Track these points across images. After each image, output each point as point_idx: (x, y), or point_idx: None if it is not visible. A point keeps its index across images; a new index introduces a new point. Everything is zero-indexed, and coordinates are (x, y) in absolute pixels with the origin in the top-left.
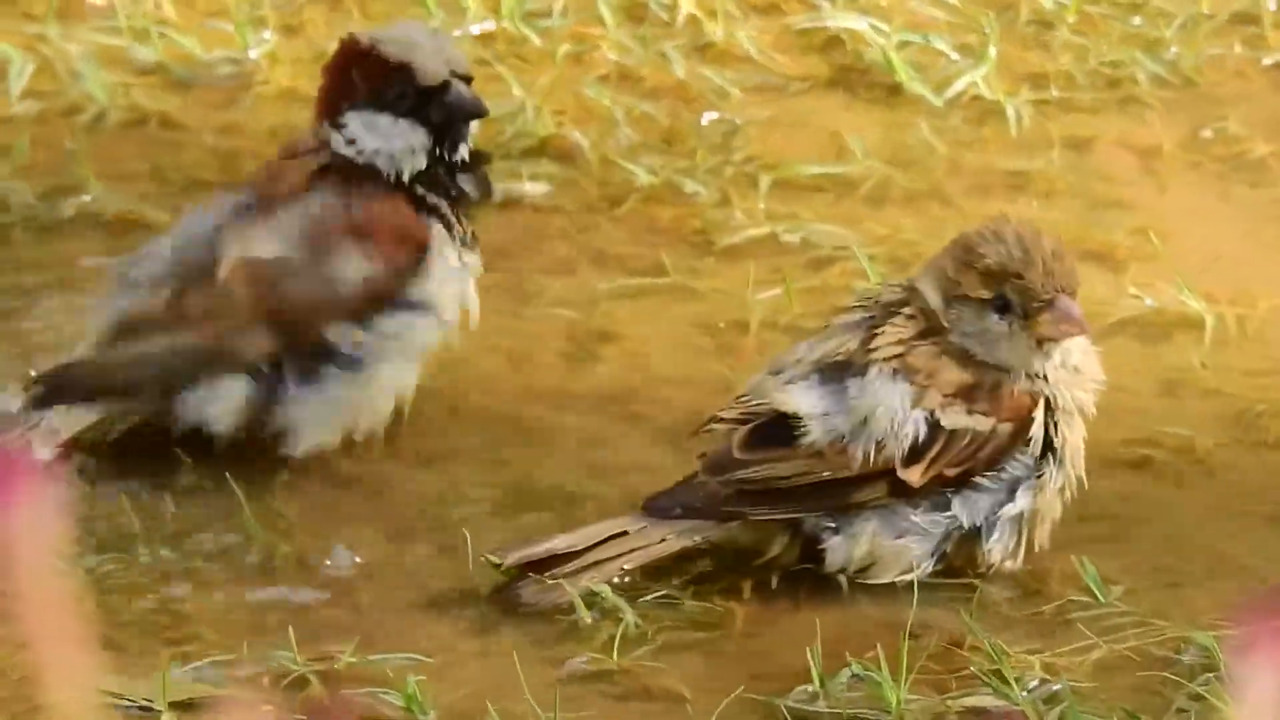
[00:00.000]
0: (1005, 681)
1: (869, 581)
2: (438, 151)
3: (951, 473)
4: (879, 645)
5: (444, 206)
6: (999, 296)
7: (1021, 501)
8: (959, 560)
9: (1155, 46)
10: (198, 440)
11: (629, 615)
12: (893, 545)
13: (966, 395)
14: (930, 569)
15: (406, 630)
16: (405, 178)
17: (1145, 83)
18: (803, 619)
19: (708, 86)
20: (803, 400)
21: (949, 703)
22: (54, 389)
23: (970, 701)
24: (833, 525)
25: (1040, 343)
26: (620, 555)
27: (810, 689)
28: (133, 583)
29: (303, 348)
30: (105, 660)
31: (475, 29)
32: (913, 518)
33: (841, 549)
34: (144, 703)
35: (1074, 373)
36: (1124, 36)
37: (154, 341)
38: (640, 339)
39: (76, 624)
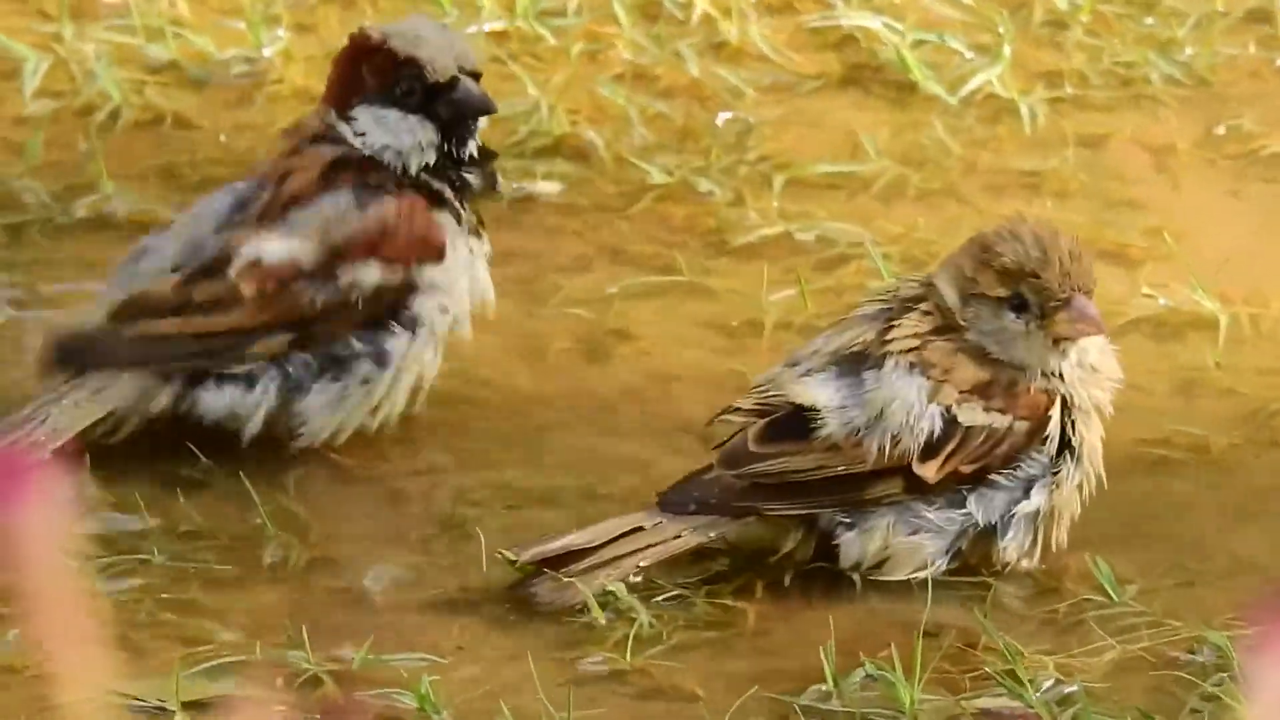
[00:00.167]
0: (1019, 682)
1: (883, 580)
2: (445, 147)
3: (967, 469)
4: (893, 645)
5: (448, 193)
6: (1015, 295)
7: (1037, 499)
8: (974, 558)
9: (1169, 46)
10: (210, 438)
11: (643, 615)
12: (907, 542)
13: (983, 392)
14: (945, 567)
15: (420, 629)
16: (412, 171)
17: (1159, 82)
18: (816, 618)
19: (722, 85)
20: (819, 393)
21: (963, 703)
22: (65, 355)
23: (984, 702)
24: (847, 521)
25: (1056, 342)
26: (635, 552)
27: (824, 688)
28: (145, 582)
29: (316, 341)
30: (118, 660)
31: (489, 27)
32: (928, 515)
33: (856, 545)
34: (157, 703)
35: (1091, 372)
36: (1138, 36)
37: (163, 322)
38: (654, 338)
39: (88, 623)
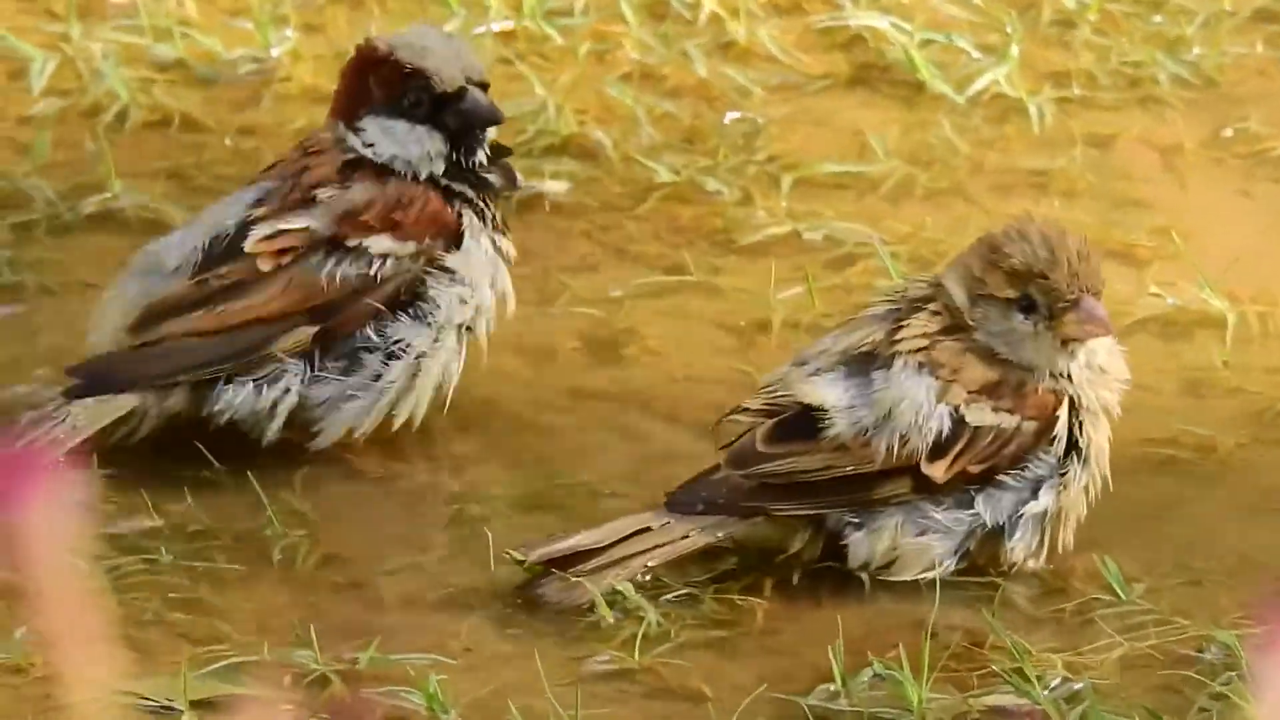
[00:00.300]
0: (1027, 680)
1: (891, 579)
2: (454, 157)
3: (975, 469)
4: (901, 644)
5: (470, 193)
6: (1024, 296)
7: (1045, 500)
8: (982, 559)
9: (1177, 45)
10: (218, 437)
11: (650, 614)
12: (915, 542)
13: (991, 392)
14: (953, 567)
15: (428, 629)
16: (422, 179)
17: (1167, 81)
18: (824, 617)
19: (729, 85)
20: (828, 393)
21: (970, 701)
22: (91, 380)
23: (992, 700)
24: (856, 521)
25: (1065, 343)
26: (643, 552)
27: (832, 687)
28: (154, 582)
29: (337, 333)
30: (126, 659)
31: (496, 27)
32: (935, 515)
33: (864, 545)
34: (165, 702)
35: (1099, 373)
36: (1145, 35)
37: (184, 320)
38: (662, 337)
39: (95, 622)
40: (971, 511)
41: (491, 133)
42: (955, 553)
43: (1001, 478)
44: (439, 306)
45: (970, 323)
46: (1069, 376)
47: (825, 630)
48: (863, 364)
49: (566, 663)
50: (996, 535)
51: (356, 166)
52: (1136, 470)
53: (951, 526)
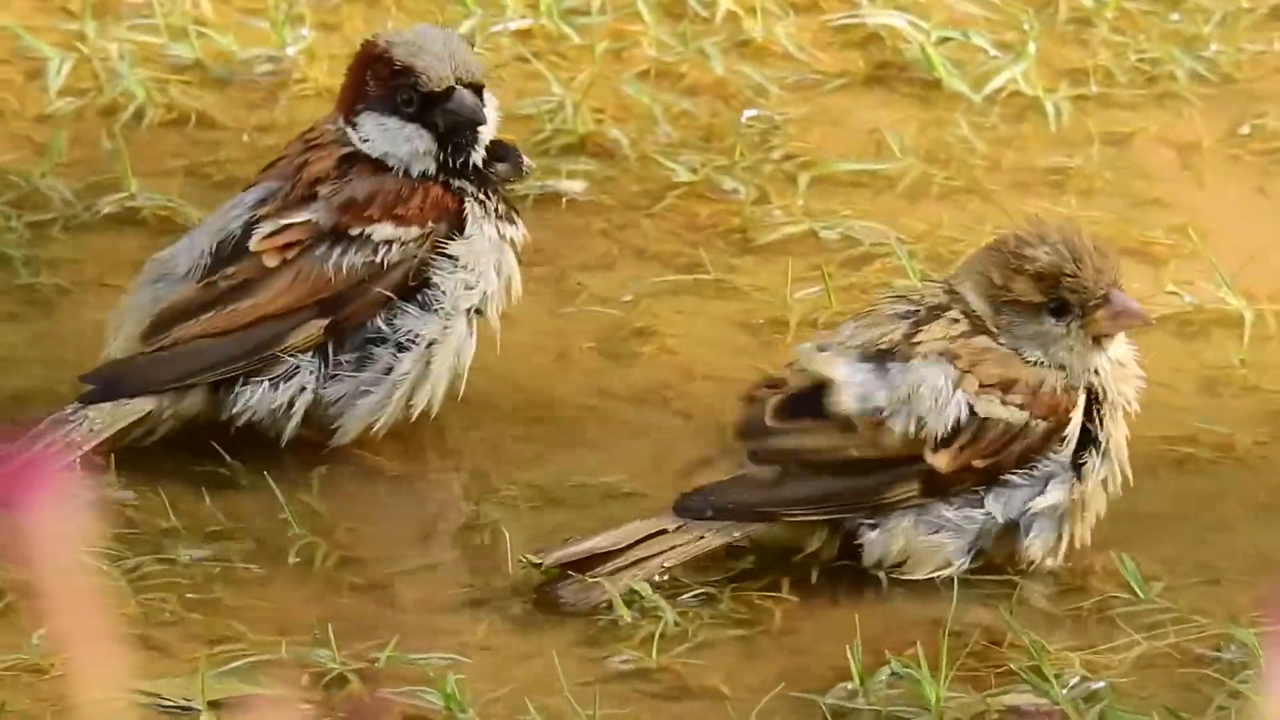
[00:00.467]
0: (1045, 679)
1: (908, 578)
2: (442, 156)
3: (980, 464)
4: (918, 642)
5: (469, 187)
6: (1055, 299)
7: (1054, 495)
8: (999, 557)
9: (1194, 42)
10: (235, 437)
11: (668, 613)
12: (928, 541)
13: (1004, 387)
14: (966, 565)
15: (446, 629)
16: (414, 176)
17: (1184, 79)
18: (842, 616)
19: (746, 83)
20: (840, 371)
21: (988, 700)
22: (105, 386)
23: (1010, 699)
24: (870, 521)
25: (1096, 339)
26: (660, 553)
27: (849, 686)
28: (171, 582)
29: (347, 326)
30: (144, 659)
31: (514, 25)
32: (947, 514)
33: (878, 544)
34: (183, 702)
35: (1119, 367)
36: (1163, 32)
37: (195, 324)
38: (679, 336)
39: (108, 623)
40: (982, 510)
41: (489, 132)
42: (968, 551)
43: (1009, 477)
44: (444, 293)
45: (994, 330)
46: (1096, 372)
47: (843, 629)
48: (881, 358)
49: (584, 662)
50: (1012, 533)
51: (354, 161)
52: (1154, 468)
53: (963, 525)
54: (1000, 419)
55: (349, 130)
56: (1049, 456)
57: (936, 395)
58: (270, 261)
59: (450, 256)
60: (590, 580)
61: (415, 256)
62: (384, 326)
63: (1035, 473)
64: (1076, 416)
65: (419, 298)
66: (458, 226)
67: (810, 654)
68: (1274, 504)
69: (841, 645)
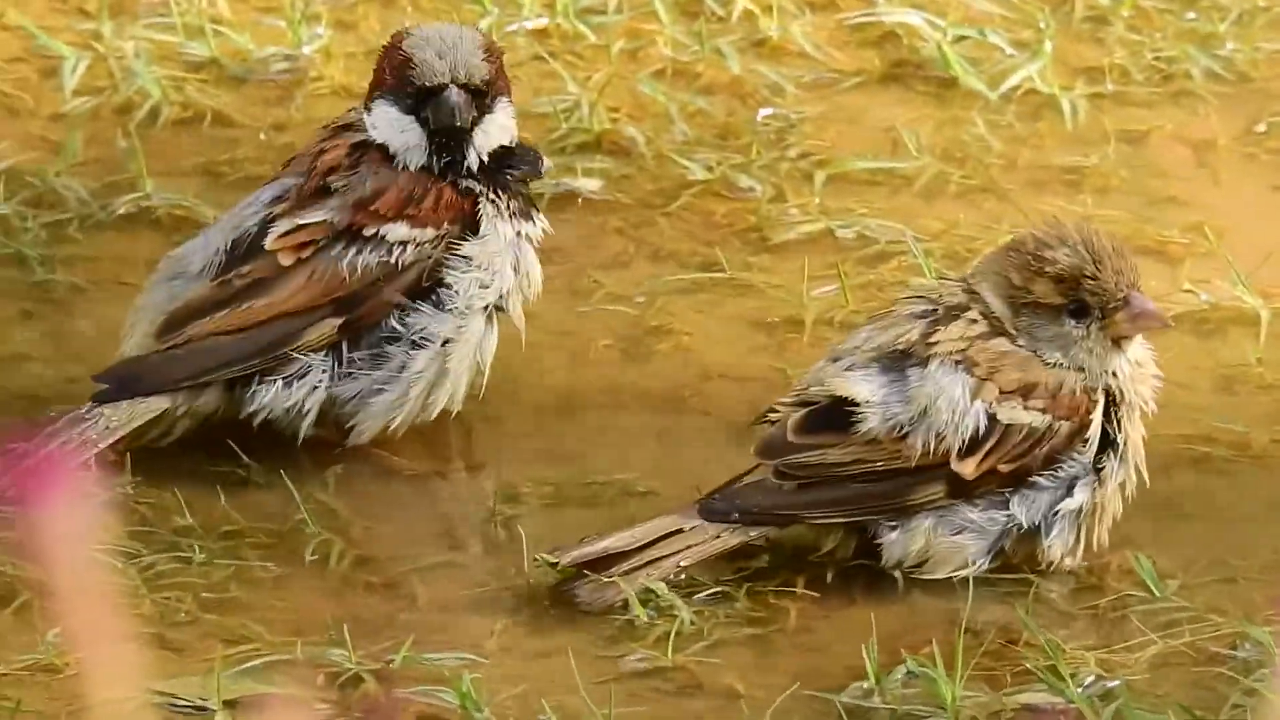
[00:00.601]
0: (1060, 678)
1: (924, 577)
2: (430, 151)
3: (1006, 468)
4: (934, 641)
5: (476, 186)
6: (1075, 301)
7: (1080, 497)
8: (1018, 558)
9: (1210, 41)
10: (251, 436)
11: (684, 612)
12: (949, 541)
13: (1024, 391)
14: (986, 565)
15: (461, 628)
16: (413, 168)
17: (1200, 77)
18: (858, 615)
19: (762, 82)
20: (862, 387)
21: (1004, 699)
22: (119, 385)
23: (1025, 698)
24: (891, 522)
25: (1116, 341)
26: (676, 553)
27: (865, 685)
28: (186, 581)
29: (361, 325)
30: (159, 659)
31: (530, 24)
32: (971, 515)
33: (898, 544)
34: (199, 701)
35: (1137, 368)
36: (1179, 31)
37: (207, 322)
38: (695, 334)
39: (122, 622)
40: (1006, 512)
41: (497, 136)
42: (989, 552)
43: (1034, 479)
44: (459, 293)
45: (1013, 331)
46: (1115, 374)
47: (859, 628)
48: (898, 361)
49: (600, 661)
50: (1033, 534)
51: (365, 149)
52: (1170, 467)
53: (986, 526)
54: (1023, 424)
55: (365, 116)
56: (1073, 458)
57: (954, 408)
58: (285, 260)
59: (464, 256)
60: (606, 579)
61: (430, 257)
62: (398, 325)
63: (1060, 474)
64: (1096, 417)
65: (434, 297)
66: (472, 227)
67: (826, 653)
68: None
69: (857, 644)
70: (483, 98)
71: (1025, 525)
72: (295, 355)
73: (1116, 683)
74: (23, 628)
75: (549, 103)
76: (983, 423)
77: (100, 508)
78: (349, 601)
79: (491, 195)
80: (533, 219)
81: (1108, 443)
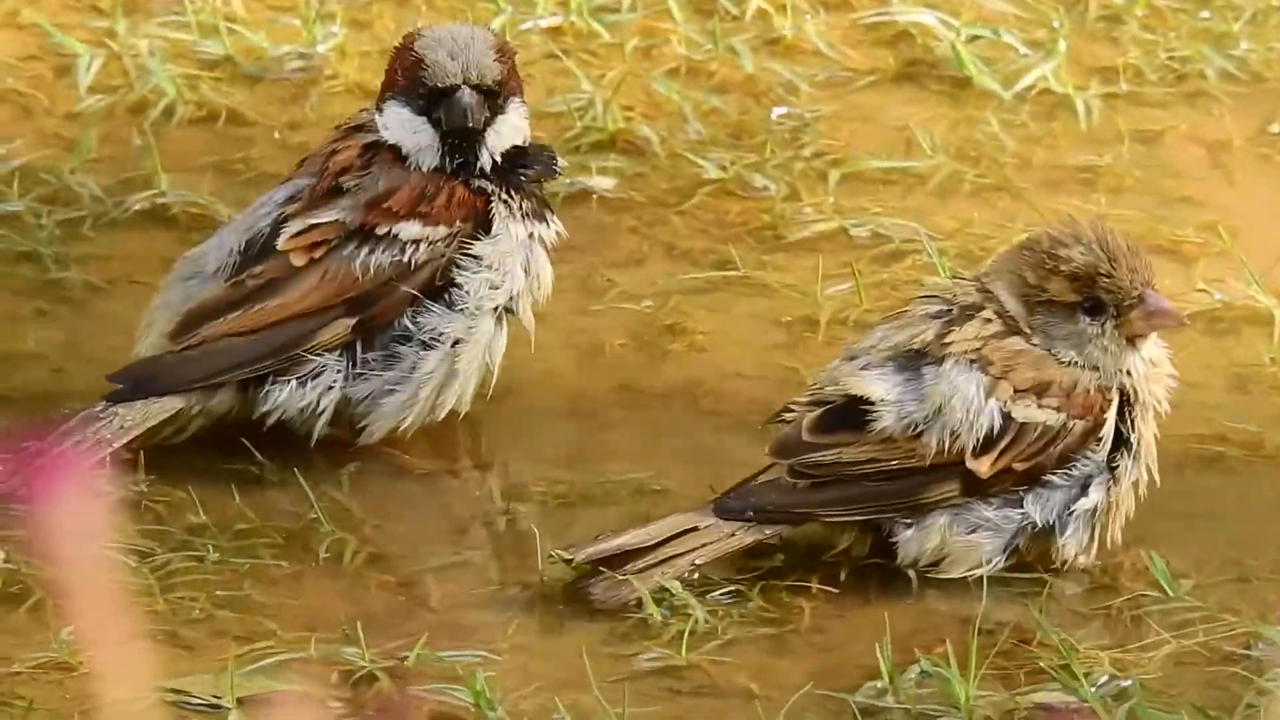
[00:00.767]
0: (1074, 677)
1: (938, 576)
2: (443, 152)
3: (1021, 467)
4: (948, 641)
5: (489, 186)
6: (1090, 299)
7: (1095, 496)
8: (1032, 556)
9: (1224, 40)
10: (265, 435)
11: (698, 611)
12: (965, 540)
13: (1039, 390)
14: (1001, 564)
15: (475, 626)
16: (425, 169)
17: (1214, 77)
18: (872, 614)
19: (776, 81)
20: (877, 386)
21: (1018, 699)
22: (134, 385)
23: (1039, 697)
24: (906, 519)
25: (1131, 340)
26: (691, 550)
27: (879, 685)
28: (200, 579)
29: (375, 325)
30: (172, 657)
31: (544, 23)
32: (986, 513)
33: (914, 542)
34: (212, 699)
35: (1152, 367)
36: (1193, 31)
37: (224, 322)
38: (709, 333)
39: (136, 620)
40: (1021, 510)
41: (510, 136)
42: (1004, 550)
43: (1049, 477)
44: (469, 293)
45: (1028, 330)
46: (1129, 373)
47: (873, 627)
48: (913, 360)
49: (614, 660)
50: (1047, 533)
51: (377, 149)
52: (1184, 467)
53: (1001, 524)
54: (1038, 422)
55: (376, 117)
56: (1087, 456)
57: (968, 406)
58: (298, 261)
59: (475, 256)
60: (620, 577)
61: (443, 256)
62: (410, 325)
63: (1074, 473)
64: (1110, 416)
65: (445, 297)
66: (484, 226)
67: (840, 652)
68: None
69: (871, 643)
70: (495, 98)
71: (1040, 524)
72: (309, 356)
73: (1130, 682)
74: (36, 626)
75: (563, 101)
76: (997, 421)
77: (113, 506)
78: (362, 600)
79: (504, 195)
80: (546, 220)
81: (1121, 441)
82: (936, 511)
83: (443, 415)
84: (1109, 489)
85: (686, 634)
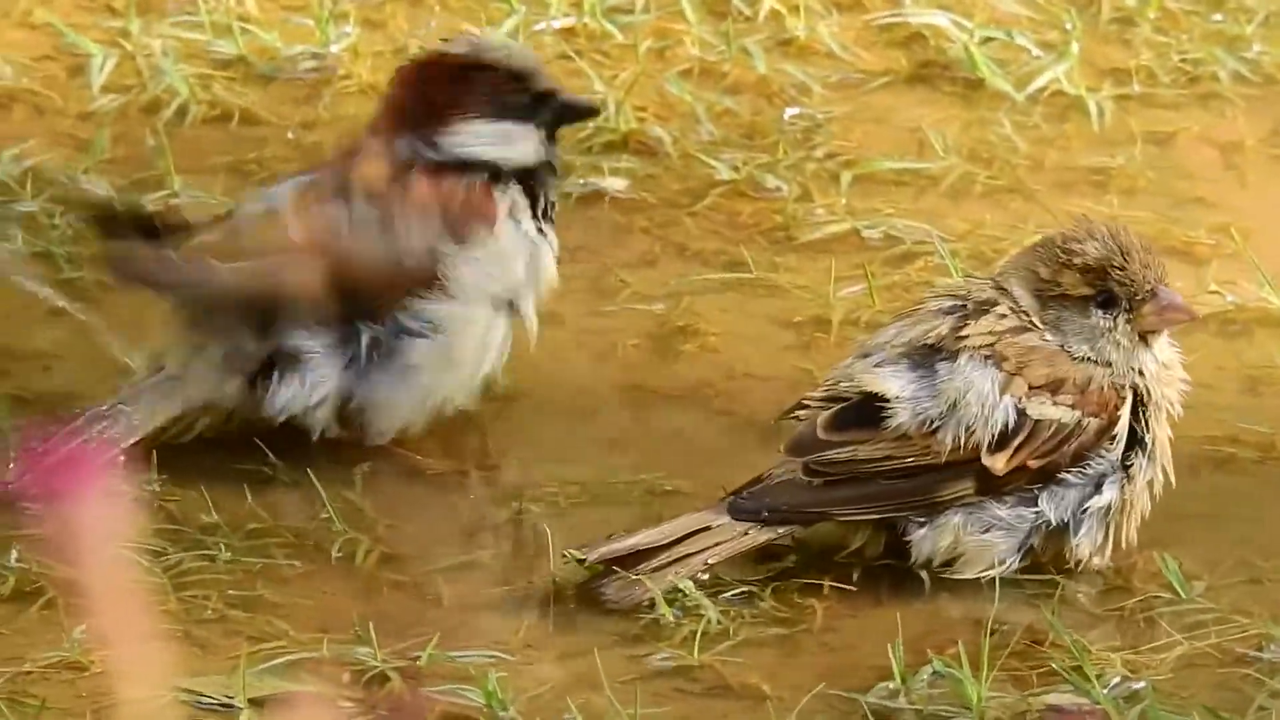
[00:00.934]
0: (1086, 679)
1: (950, 577)
2: (545, 152)
3: (1035, 464)
4: (960, 642)
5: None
6: (1102, 292)
7: (1109, 494)
8: (1047, 556)
9: (1236, 43)
10: (277, 435)
11: (710, 611)
12: (979, 540)
13: (1053, 387)
14: (1016, 565)
15: (487, 626)
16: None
17: (1226, 79)
18: (884, 615)
19: (789, 82)
20: (891, 383)
21: (1030, 700)
22: (121, 271)
23: (1051, 699)
24: (919, 518)
25: (1143, 336)
26: (704, 550)
27: (891, 685)
28: (212, 579)
29: (371, 314)
30: (185, 657)
31: (557, 24)
32: (1000, 512)
33: (927, 542)
34: (224, 699)
35: (1165, 369)
36: (1205, 33)
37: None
38: (721, 334)
39: (148, 620)
40: (1035, 509)
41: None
42: (1019, 550)
43: (1063, 476)
44: (463, 286)
45: (1041, 325)
46: (1141, 372)
47: (885, 628)
48: (927, 356)
49: (626, 660)
50: (1061, 532)
51: (405, 172)
52: (1197, 468)
53: (1015, 524)
54: (1052, 419)
55: (431, 148)
56: (1101, 455)
57: (983, 402)
58: (296, 234)
59: (474, 247)
60: (633, 577)
61: (444, 259)
62: (405, 321)
63: (1088, 471)
64: (1124, 414)
65: (438, 288)
66: (488, 224)
67: (852, 653)
68: None
69: (883, 644)
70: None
71: (1054, 522)
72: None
73: (1142, 684)
74: (48, 625)
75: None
76: (1012, 417)
77: (126, 505)
78: (375, 599)
79: (533, 185)
80: (550, 217)
81: (1135, 441)
82: (950, 510)
83: (450, 410)
84: (1123, 487)
85: (699, 634)
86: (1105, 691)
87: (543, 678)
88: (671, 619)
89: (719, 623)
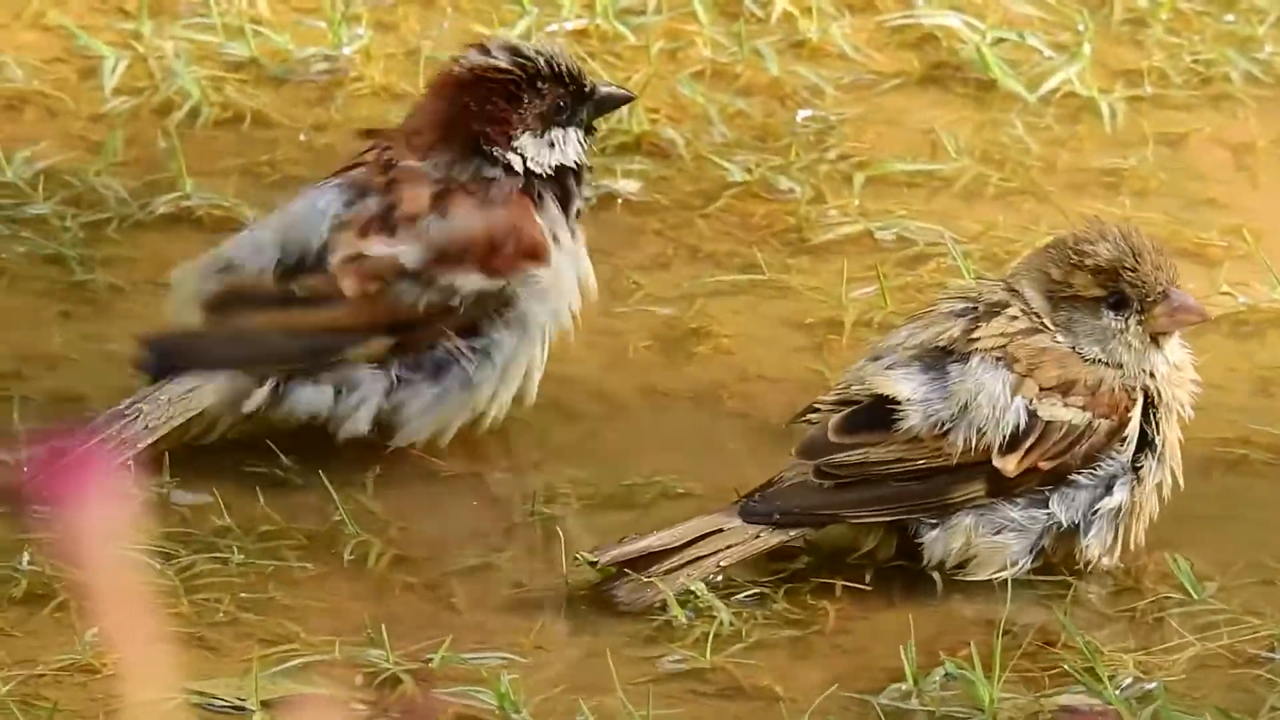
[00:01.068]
0: (1099, 679)
1: (962, 579)
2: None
3: (1046, 466)
4: (973, 643)
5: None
6: (1114, 293)
7: (1119, 496)
8: (1057, 557)
9: (1249, 44)
10: (290, 436)
11: (722, 613)
12: (991, 541)
13: (1064, 388)
14: (1028, 566)
15: (499, 628)
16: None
17: (1239, 80)
18: (896, 616)
19: (802, 83)
20: (903, 385)
21: (1042, 701)
22: (159, 357)
23: (1063, 700)
24: (931, 520)
25: (1154, 337)
26: (716, 552)
27: (904, 687)
28: (224, 581)
29: (413, 345)
30: (197, 659)
31: (570, 25)
32: (1012, 513)
33: (939, 544)
34: (236, 701)
35: (1176, 371)
36: (1217, 34)
37: (261, 316)
38: (734, 336)
39: (160, 622)
40: (1046, 510)
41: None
42: (1031, 551)
43: (1074, 477)
44: (528, 316)
45: (1052, 327)
46: (1152, 374)
47: (897, 629)
48: (938, 358)
49: (638, 662)
50: (1072, 533)
51: (447, 194)
52: (1208, 469)
53: (1027, 525)
54: (1063, 421)
55: (493, 165)
56: (1111, 456)
57: (994, 404)
58: (348, 288)
59: (533, 287)
60: (645, 579)
61: (496, 295)
62: (458, 345)
63: (1099, 473)
64: (1135, 416)
65: (500, 316)
66: (543, 261)
67: (864, 654)
68: None
69: (895, 646)
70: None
71: (1065, 524)
72: (344, 363)
73: (1154, 685)
74: (60, 628)
75: None
76: (1023, 419)
77: (138, 508)
78: (387, 602)
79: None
80: (580, 215)
81: (1145, 442)
82: (962, 512)
83: (486, 426)
84: (1133, 489)
85: (711, 636)
86: (1117, 692)
87: (555, 680)
88: (684, 621)
89: (731, 624)
